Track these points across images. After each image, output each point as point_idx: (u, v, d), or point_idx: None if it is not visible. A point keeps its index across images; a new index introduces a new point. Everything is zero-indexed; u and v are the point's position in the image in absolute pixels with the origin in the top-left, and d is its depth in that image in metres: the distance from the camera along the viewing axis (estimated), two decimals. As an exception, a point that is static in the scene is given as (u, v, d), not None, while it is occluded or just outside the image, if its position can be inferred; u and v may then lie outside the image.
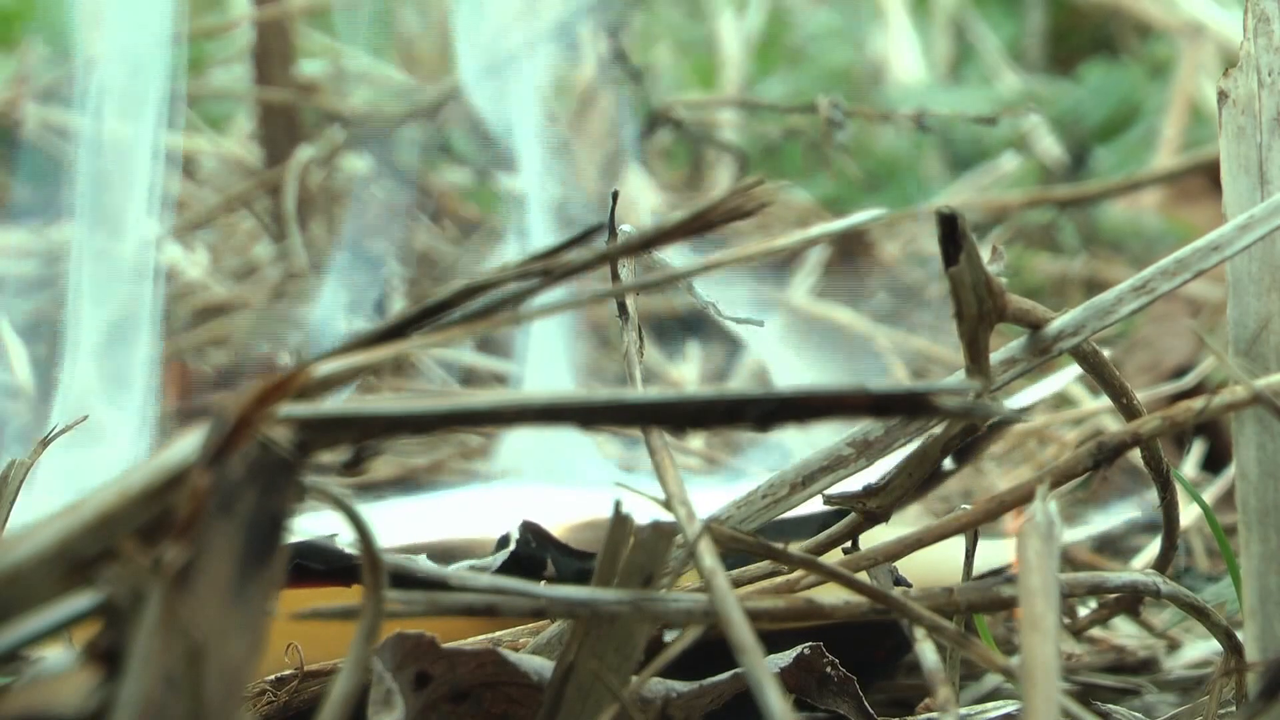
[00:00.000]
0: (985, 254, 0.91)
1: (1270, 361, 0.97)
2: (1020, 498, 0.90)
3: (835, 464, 0.96)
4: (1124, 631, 1.35)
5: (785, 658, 1.02)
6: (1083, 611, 1.36)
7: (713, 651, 0.98)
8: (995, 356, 0.94)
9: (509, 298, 0.78)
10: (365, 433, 0.72)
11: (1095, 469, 0.91)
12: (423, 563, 0.91)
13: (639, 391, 0.73)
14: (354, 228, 2.21)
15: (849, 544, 0.97)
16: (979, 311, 0.89)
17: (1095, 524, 1.62)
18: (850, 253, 2.14)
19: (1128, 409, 1.00)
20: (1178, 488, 1.08)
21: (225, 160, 2.58)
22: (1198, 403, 0.90)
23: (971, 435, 0.95)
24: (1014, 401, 1.20)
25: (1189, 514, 1.46)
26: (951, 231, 0.87)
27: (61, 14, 2.98)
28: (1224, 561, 1.28)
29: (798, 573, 0.95)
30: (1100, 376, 1.00)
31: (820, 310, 2.05)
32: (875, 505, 0.96)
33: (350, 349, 0.75)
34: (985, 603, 0.88)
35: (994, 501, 0.91)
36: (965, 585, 0.88)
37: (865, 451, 0.96)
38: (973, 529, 0.94)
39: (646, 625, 0.87)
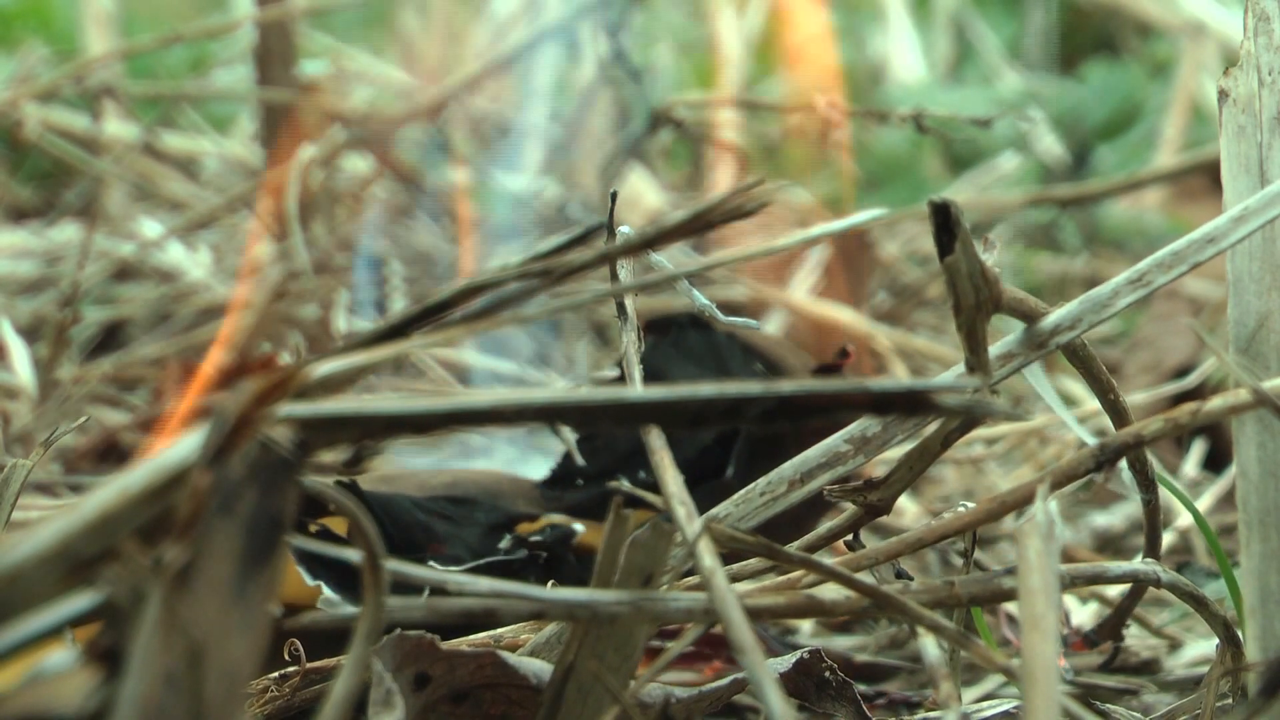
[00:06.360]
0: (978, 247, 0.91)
1: (1269, 359, 0.97)
2: (1021, 499, 0.90)
3: (833, 460, 0.96)
4: (1126, 631, 1.35)
5: (784, 662, 1.02)
6: (1084, 611, 1.36)
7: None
8: (993, 350, 0.94)
9: (509, 298, 0.78)
10: (365, 432, 0.72)
11: (1097, 471, 0.91)
12: (421, 568, 0.91)
13: (639, 391, 0.73)
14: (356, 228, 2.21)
15: (850, 538, 0.97)
16: (976, 301, 0.89)
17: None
18: (850, 252, 2.14)
19: (1113, 406, 1.00)
20: (1174, 492, 1.08)
21: (227, 160, 2.58)
22: (1199, 405, 0.90)
23: (970, 429, 0.95)
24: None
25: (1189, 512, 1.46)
26: (945, 222, 0.87)
27: (61, 15, 2.99)
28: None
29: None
30: (1088, 373, 1.00)
31: (820, 310, 2.05)
32: (876, 499, 0.96)
33: (350, 349, 0.75)
34: (987, 595, 0.88)
35: (995, 502, 0.91)
36: (967, 578, 0.88)
37: (863, 448, 0.95)
38: (972, 530, 0.94)
39: (646, 625, 0.87)
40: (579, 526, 1.20)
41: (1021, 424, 1.69)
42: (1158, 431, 0.91)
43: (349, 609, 1.05)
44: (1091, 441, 0.92)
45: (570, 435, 1.27)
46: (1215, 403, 0.90)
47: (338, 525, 1.12)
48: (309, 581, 1.09)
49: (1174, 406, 0.92)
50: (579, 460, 1.24)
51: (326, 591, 1.09)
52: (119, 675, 0.67)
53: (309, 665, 0.99)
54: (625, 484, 0.99)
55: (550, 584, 1.10)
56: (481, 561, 1.15)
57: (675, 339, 1.28)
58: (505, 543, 1.17)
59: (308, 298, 2.03)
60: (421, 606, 0.81)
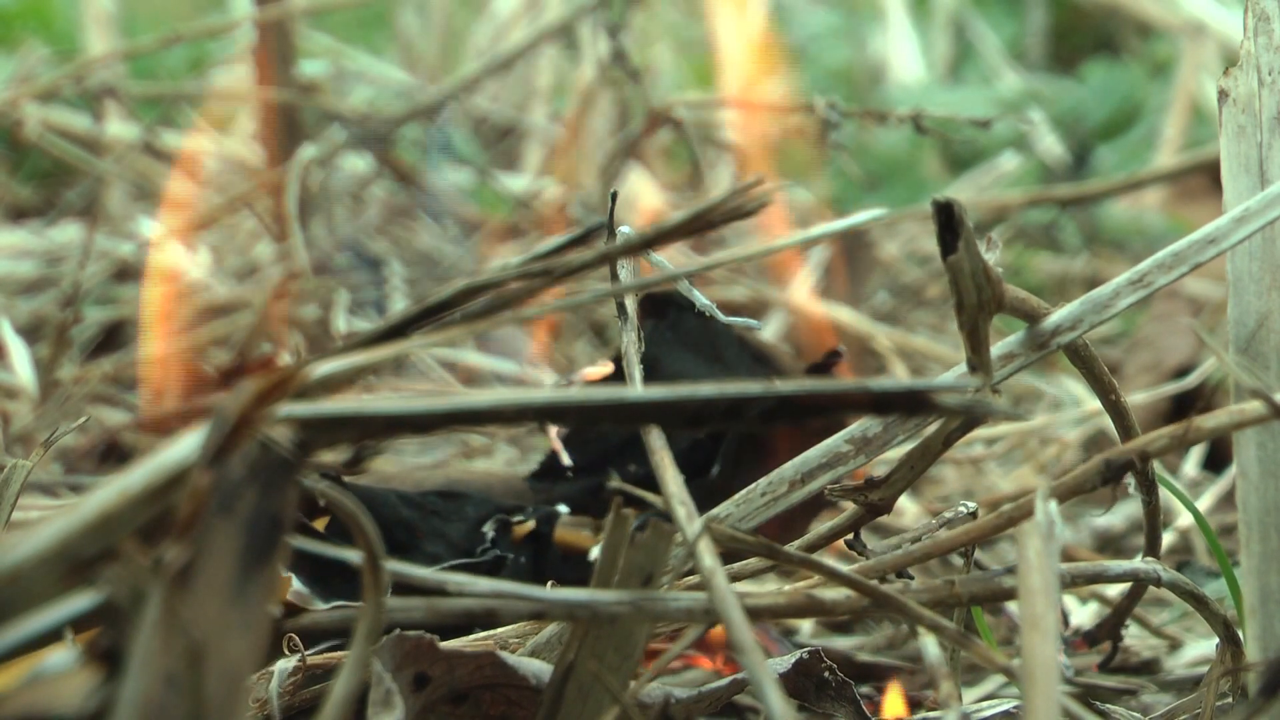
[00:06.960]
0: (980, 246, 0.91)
1: (1270, 359, 0.98)
2: (1028, 511, 0.90)
3: (834, 461, 0.96)
4: (1125, 632, 1.35)
5: (784, 662, 1.02)
6: (1084, 611, 1.36)
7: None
8: (994, 351, 0.94)
9: (509, 298, 0.78)
10: (365, 432, 0.72)
11: (1103, 485, 0.91)
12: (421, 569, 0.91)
13: (639, 390, 0.73)
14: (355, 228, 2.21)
15: (851, 537, 0.97)
16: (978, 300, 0.89)
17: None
18: (850, 252, 2.14)
19: (1114, 406, 1.00)
20: (1174, 492, 1.08)
21: (228, 160, 2.58)
22: (1206, 421, 0.90)
23: (971, 429, 0.95)
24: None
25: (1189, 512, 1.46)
26: (949, 221, 0.87)
27: (61, 15, 2.99)
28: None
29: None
30: (1089, 373, 1.00)
31: (820, 309, 2.05)
32: (878, 498, 0.96)
33: (350, 349, 0.75)
34: (987, 595, 0.88)
35: (1000, 516, 0.91)
36: (967, 578, 0.88)
37: (864, 448, 0.95)
38: (973, 545, 0.94)
39: (646, 625, 0.87)
40: (563, 508, 1.21)
41: (1021, 424, 1.69)
42: (1162, 448, 0.91)
43: (320, 603, 1.05)
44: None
45: (555, 431, 1.27)
46: (1220, 417, 0.90)
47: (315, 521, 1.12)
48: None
49: (1174, 407, 0.92)
50: (565, 458, 1.25)
51: (297, 584, 1.09)
52: (119, 675, 0.67)
53: (310, 661, 0.99)
54: (621, 483, 0.99)
55: (549, 583, 1.10)
56: (459, 562, 1.15)
57: (672, 323, 1.28)
58: (489, 527, 1.18)
59: (308, 298, 2.03)
60: (421, 607, 0.80)
